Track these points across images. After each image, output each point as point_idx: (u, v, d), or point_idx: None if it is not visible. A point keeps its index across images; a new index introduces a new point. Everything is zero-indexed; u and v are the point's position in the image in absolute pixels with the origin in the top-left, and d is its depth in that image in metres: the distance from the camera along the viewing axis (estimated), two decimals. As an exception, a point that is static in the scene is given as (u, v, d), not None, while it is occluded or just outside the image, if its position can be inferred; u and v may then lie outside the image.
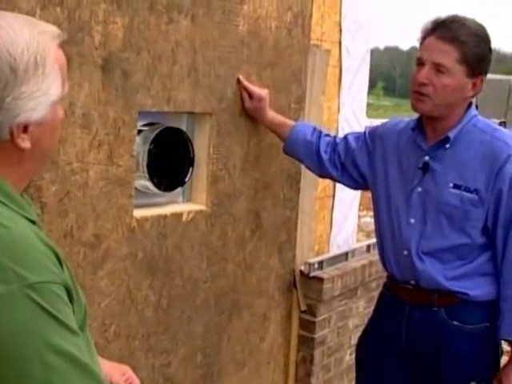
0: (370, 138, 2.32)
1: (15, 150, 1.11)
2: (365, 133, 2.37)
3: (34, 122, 1.10)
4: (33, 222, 1.14)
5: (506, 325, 2.01)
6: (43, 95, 1.09)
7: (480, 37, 1.98)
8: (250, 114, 2.54)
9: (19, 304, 0.98)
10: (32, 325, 0.99)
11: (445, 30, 1.97)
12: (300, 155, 2.51)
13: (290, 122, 2.54)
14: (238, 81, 2.47)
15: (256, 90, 2.49)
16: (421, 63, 2.02)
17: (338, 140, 2.45)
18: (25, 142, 1.10)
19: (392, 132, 2.25)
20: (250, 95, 2.48)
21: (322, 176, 2.59)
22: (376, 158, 2.26)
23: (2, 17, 1.11)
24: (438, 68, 1.97)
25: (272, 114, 2.53)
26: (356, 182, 2.41)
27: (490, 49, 2.01)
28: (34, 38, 1.09)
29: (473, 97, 2.07)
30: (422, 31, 2.03)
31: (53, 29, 1.15)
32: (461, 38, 1.95)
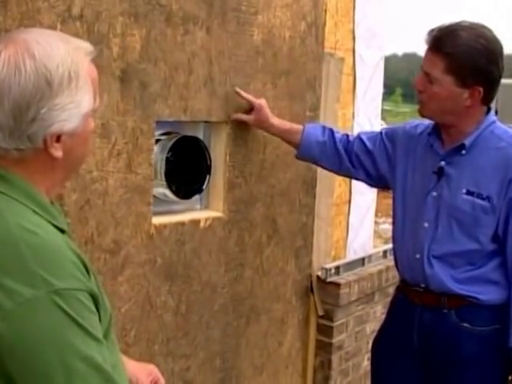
0: (389, 140, 2.31)
1: (48, 158, 1.16)
2: (381, 133, 2.36)
3: (66, 132, 1.15)
4: (62, 231, 1.19)
5: None
6: (76, 107, 1.15)
7: (473, 48, 1.96)
8: (256, 127, 2.52)
9: (45, 309, 1.02)
10: (56, 330, 1.03)
11: (435, 40, 2.01)
12: (315, 157, 2.47)
13: (299, 127, 2.49)
14: (237, 93, 2.45)
15: (255, 100, 2.46)
16: (421, 71, 2.08)
17: (351, 139, 2.41)
18: (57, 151, 1.16)
19: (411, 135, 2.25)
20: (251, 108, 2.45)
21: (339, 173, 2.55)
22: (397, 161, 2.25)
23: (39, 33, 1.18)
24: (428, 77, 2.02)
25: (278, 122, 2.50)
26: (374, 181, 2.39)
27: (489, 60, 1.98)
28: (68, 53, 1.15)
29: (486, 104, 2.07)
30: (424, 40, 2.07)
31: (86, 45, 1.22)
32: (446, 50, 1.97)
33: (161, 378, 1.60)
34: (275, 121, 2.49)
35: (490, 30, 2.02)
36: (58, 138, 1.15)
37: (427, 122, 2.22)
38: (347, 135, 2.46)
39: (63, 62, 1.13)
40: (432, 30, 2.04)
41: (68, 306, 1.04)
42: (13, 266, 1.04)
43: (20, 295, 1.01)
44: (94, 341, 1.06)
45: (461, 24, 2.02)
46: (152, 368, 1.61)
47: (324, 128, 2.47)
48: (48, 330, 1.02)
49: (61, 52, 1.14)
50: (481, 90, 1.99)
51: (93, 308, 1.11)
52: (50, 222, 1.16)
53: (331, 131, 2.45)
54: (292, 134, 2.48)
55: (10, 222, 1.09)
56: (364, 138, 2.39)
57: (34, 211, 1.14)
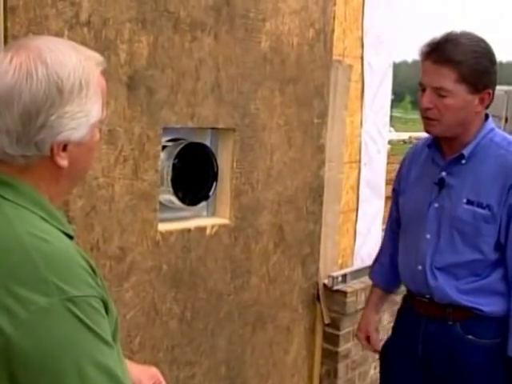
0: (395, 182, 2.31)
1: (54, 167, 1.15)
2: (393, 189, 2.35)
3: (73, 142, 1.14)
4: (70, 237, 1.18)
5: None
6: (85, 116, 1.14)
7: (477, 52, 1.96)
8: None
9: (60, 317, 1.01)
10: (71, 337, 1.02)
11: (439, 52, 1.96)
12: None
13: (378, 292, 2.44)
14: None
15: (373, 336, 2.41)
16: (423, 88, 2.03)
17: (389, 233, 2.40)
18: (63, 160, 1.15)
19: (413, 153, 2.26)
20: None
21: None
22: (401, 183, 2.26)
23: (51, 41, 1.18)
24: (439, 91, 1.97)
25: (375, 311, 2.46)
26: None
27: (491, 62, 1.99)
28: (80, 62, 1.14)
29: (487, 109, 2.06)
30: (420, 55, 2.03)
31: (97, 56, 1.21)
32: (456, 59, 1.93)
33: (163, 381, 1.59)
34: (377, 313, 2.49)
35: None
36: (65, 147, 1.14)
37: (423, 139, 2.21)
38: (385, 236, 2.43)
39: (75, 71, 1.12)
40: (427, 45, 2.00)
41: (82, 312, 1.03)
42: (25, 275, 1.03)
43: (34, 303, 1.00)
44: (107, 347, 1.06)
45: (453, 34, 2.00)
46: (154, 371, 1.60)
47: (384, 266, 2.41)
48: (63, 338, 1.01)
49: (73, 60, 1.13)
50: (490, 92, 1.98)
51: (104, 313, 1.11)
52: (58, 229, 1.15)
53: (387, 256, 2.40)
54: (383, 298, 2.47)
55: (20, 230, 1.08)
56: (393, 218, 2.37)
57: (43, 218, 1.13)
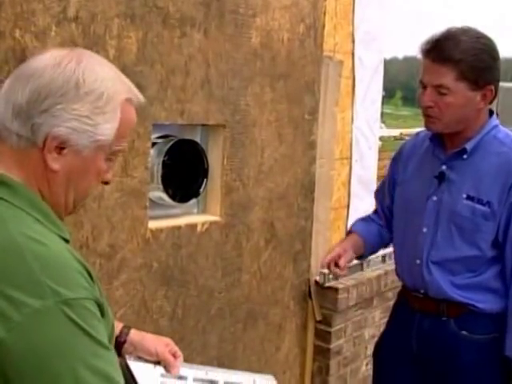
0: (394, 166, 2.30)
1: (45, 165, 1.13)
2: (389, 174, 2.34)
3: (70, 145, 1.12)
4: (66, 241, 1.16)
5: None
6: (91, 126, 1.12)
7: (478, 49, 1.94)
8: None
9: (54, 319, 1.00)
10: (66, 341, 1.01)
11: (439, 51, 1.95)
12: (377, 247, 2.43)
13: (357, 240, 2.34)
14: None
15: (336, 254, 2.26)
16: (423, 86, 2.01)
17: (379, 212, 2.39)
18: (55, 162, 1.12)
19: (414, 143, 2.25)
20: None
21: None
22: (400, 173, 2.25)
23: (98, 57, 1.22)
24: (439, 89, 1.95)
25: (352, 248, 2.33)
26: None
27: (493, 57, 1.98)
28: (113, 79, 1.16)
29: (490, 104, 2.05)
30: (419, 52, 2.02)
31: (136, 90, 1.21)
32: (455, 57, 1.92)
33: (178, 350, 1.58)
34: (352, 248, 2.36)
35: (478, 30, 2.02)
36: (60, 150, 1.12)
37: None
38: (375, 212, 2.42)
39: (102, 81, 1.13)
40: (427, 42, 1.99)
41: (77, 315, 1.02)
42: (19, 277, 1.02)
43: (28, 306, 0.99)
44: (103, 349, 1.05)
45: (453, 30, 1.98)
46: (169, 341, 1.59)
47: (369, 222, 2.39)
48: (58, 341, 1.00)
49: (106, 74, 1.15)
50: (492, 88, 1.97)
51: (99, 316, 1.09)
52: (53, 232, 1.13)
53: (373, 220, 2.39)
54: (357, 242, 2.36)
55: (13, 231, 1.06)
56: (379, 195, 2.39)
57: (38, 220, 1.11)
